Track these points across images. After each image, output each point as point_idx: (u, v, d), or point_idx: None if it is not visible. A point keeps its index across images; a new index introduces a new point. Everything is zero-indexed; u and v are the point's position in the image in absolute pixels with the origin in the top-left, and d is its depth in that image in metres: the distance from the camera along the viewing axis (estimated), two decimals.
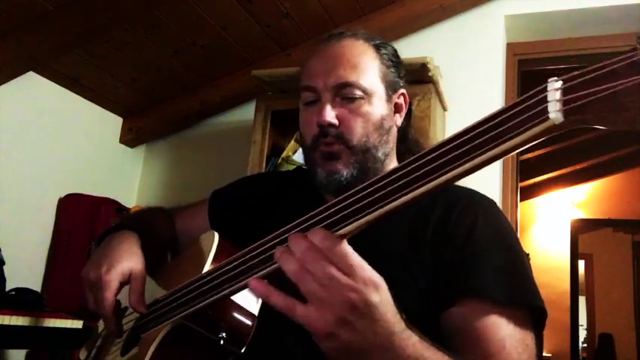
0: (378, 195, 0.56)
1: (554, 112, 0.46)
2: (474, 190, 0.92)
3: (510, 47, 2.31)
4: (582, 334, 4.52)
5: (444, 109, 2.06)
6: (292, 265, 0.58)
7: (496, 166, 2.09)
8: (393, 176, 0.56)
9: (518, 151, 0.50)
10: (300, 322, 0.57)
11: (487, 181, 2.03)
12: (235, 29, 2.23)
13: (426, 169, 0.54)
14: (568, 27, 2.19)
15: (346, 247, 0.57)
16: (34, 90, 2.26)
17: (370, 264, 0.84)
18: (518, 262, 0.81)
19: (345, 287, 0.55)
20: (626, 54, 0.44)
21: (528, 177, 4.44)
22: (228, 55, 2.40)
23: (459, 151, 0.52)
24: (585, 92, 0.45)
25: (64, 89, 2.40)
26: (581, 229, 4.71)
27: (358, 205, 0.57)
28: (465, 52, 2.21)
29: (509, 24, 2.24)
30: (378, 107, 0.91)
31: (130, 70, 2.40)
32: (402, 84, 0.97)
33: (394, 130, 0.95)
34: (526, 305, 0.77)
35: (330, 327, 0.56)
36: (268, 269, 0.64)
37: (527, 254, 0.90)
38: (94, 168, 2.58)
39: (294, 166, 1.97)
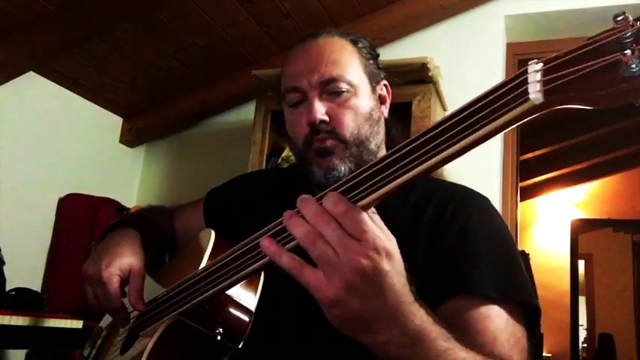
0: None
1: (534, 92, 0.46)
2: (467, 187, 0.92)
3: (510, 47, 2.31)
4: (582, 334, 4.51)
5: (444, 109, 2.05)
6: (302, 228, 0.56)
7: (496, 166, 2.09)
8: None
9: (503, 132, 0.50)
10: (308, 286, 0.56)
11: (487, 180, 2.03)
12: (235, 29, 2.23)
13: (418, 152, 0.53)
14: (568, 27, 2.19)
15: (360, 213, 0.54)
16: (34, 90, 2.27)
17: None
18: (511, 259, 0.81)
19: (357, 252, 0.53)
20: (603, 34, 0.44)
21: (528, 177, 4.44)
22: (228, 55, 2.40)
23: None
24: (565, 72, 0.45)
25: (64, 89, 2.40)
26: (581, 229, 4.71)
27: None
28: (465, 52, 2.21)
29: (509, 24, 2.24)
30: (364, 99, 0.91)
31: (130, 70, 2.41)
32: (382, 75, 0.98)
33: (383, 121, 0.96)
34: (518, 302, 0.77)
35: (338, 293, 0.54)
36: (262, 261, 0.62)
37: (528, 254, 0.90)
38: (94, 168, 2.58)
39: None
